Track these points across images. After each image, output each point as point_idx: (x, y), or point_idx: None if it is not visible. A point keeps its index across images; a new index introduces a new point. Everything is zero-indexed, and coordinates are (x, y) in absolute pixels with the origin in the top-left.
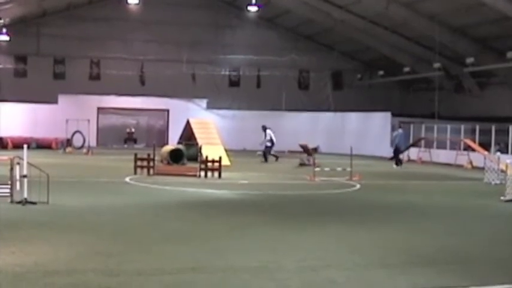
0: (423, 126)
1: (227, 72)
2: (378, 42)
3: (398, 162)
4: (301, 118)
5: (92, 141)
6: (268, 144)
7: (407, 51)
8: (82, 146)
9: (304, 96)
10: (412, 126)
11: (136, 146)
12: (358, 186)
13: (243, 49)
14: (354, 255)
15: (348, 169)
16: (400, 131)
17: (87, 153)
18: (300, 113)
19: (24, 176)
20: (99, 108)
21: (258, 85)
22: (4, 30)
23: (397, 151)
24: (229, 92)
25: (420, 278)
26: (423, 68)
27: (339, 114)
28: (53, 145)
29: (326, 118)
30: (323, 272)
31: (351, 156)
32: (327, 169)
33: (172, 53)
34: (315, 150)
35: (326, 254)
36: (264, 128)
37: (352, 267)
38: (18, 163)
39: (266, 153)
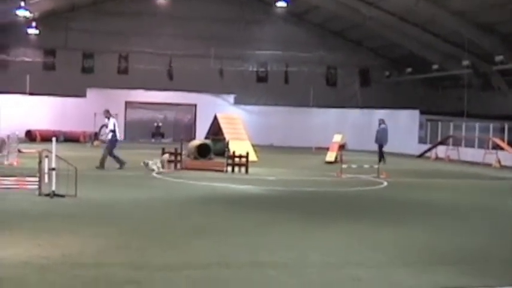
0: (451, 124)
1: (255, 68)
2: (406, 39)
3: (382, 158)
4: (328, 114)
5: (120, 135)
6: None
7: (435, 49)
8: None
9: (331, 92)
10: (440, 124)
11: (163, 140)
12: (385, 183)
13: (271, 45)
14: (378, 253)
15: (375, 166)
16: (383, 126)
17: None
18: (327, 110)
19: (53, 169)
20: (127, 102)
21: (286, 81)
22: (34, 24)
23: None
24: (256, 88)
25: (443, 277)
26: (452, 66)
27: (366, 111)
28: (81, 138)
29: (353, 115)
30: (347, 270)
31: (380, 153)
32: (354, 166)
33: (200, 48)
34: (342, 146)
35: (350, 251)
36: None
37: (376, 265)
38: (47, 156)
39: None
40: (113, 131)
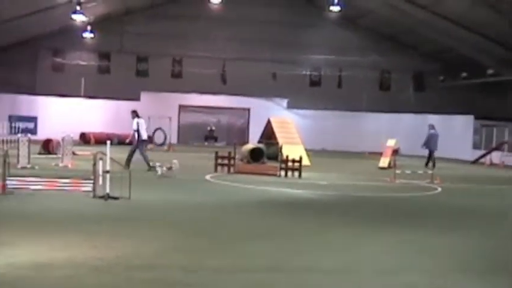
0: (506, 130)
1: (308, 72)
2: (461, 43)
3: (430, 163)
4: (381, 119)
5: (173, 138)
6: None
7: (490, 53)
8: (163, 143)
9: (385, 97)
10: (494, 129)
11: (216, 144)
12: (439, 189)
13: (324, 49)
14: (433, 259)
15: (429, 172)
16: (433, 131)
17: (168, 150)
18: (380, 114)
19: (107, 172)
20: (180, 106)
21: (339, 85)
22: (89, 27)
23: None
24: (310, 92)
25: (501, 285)
26: (507, 70)
27: (419, 116)
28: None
29: (407, 120)
30: (402, 276)
31: (434, 158)
32: (408, 172)
33: (254, 51)
34: (396, 152)
35: (405, 257)
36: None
37: (432, 271)
38: (101, 158)
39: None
40: (137, 131)
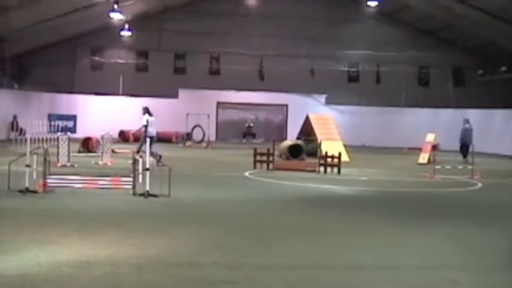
0: None
1: (346, 68)
2: (500, 36)
3: (469, 157)
4: (420, 115)
5: (212, 135)
6: None
7: None
8: (202, 140)
9: (423, 92)
10: None
11: (255, 140)
12: (479, 185)
13: (362, 44)
14: (473, 256)
15: (469, 167)
16: (467, 126)
17: (206, 147)
18: (419, 110)
19: (147, 169)
20: (218, 103)
21: (378, 81)
22: (127, 26)
23: (465, 146)
24: (348, 88)
25: None
26: None
27: (459, 111)
28: (173, 139)
29: (446, 115)
30: (443, 272)
31: (472, 154)
32: (447, 167)
33: (291, 47)
34: (435, 147)
35: (445, 254)
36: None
37: (473, 268)
38: (141, 156)
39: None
40: (145, 126)
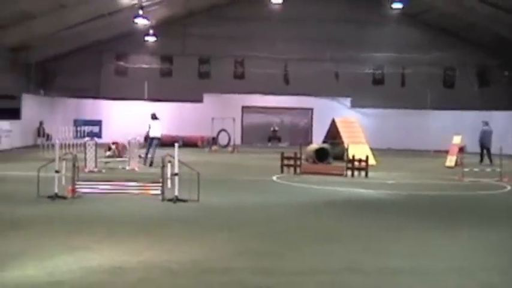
0: None
1: (371, 70)
2: None
3: (486, 159)
4: (446, 117)
5: (237, 139)
6: None
7: None
8: (227, 145)
9: (449, 94)
10: None
11: (280, 144)
12: (508, 188)
13: (387, 47)
14: (507, 259)
15: (498, 170)
16: (486, 127)
17: (232, 152)
18: (444, 112)
19: (175, 174)
20: (243, 107)
21: (403, 83)
22: (151, 31)
23: (485, 149)
24: (373, 91)
25: None
26: None
27: (485, 113)
28: (199, 143)
29: (472, 117)
30: (478, 275)
31: (501, 156)
32: (476, 169)
33: (316, 51)
34: (462, 149)
35: (478, 257)
36: None
37: (508, 271)
38: (170, 161)
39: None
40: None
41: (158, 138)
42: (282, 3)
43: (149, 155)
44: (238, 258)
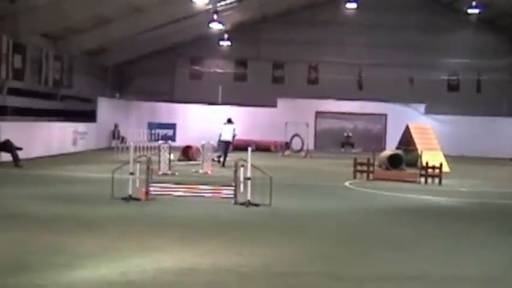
0: None
1: (446, 77)
2: None
3: None
4: None
5: (310, 144)
6: None
7: None
8: (300, 149)
9: None
10: None
11: (353, 150)
12: None
13: (462, 52)
14: None
15: None
16: None
17: (305, 157)
18: None
19: (248, 179)
20: (317, 112)
21: (478, 89)
22: (225, 35)
23: None
24: (448, 97)
25: None
26: None
27: None
28: (272, 148)
29: None
30: None
31: None
32: None
33: (390, 56)
34: None
35: None
36: None
37: None
38: (243, 165)
39: None
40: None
41: (229, 142)
42: (357, 9)
43: (221, 158)
44: (308, 263)
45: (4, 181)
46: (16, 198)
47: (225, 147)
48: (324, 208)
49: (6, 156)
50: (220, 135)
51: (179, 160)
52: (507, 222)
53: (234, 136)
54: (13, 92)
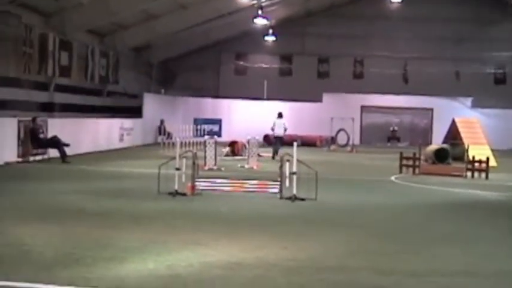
0: None
1: (492, 70)
2: None
3: None
4: None
5: (356, 139)
6: None
7: None
8: (346, 144)
9: None
10: None
11: (399, 144)
12: None
13: (508, 45)
14: None
15: None
16: None
17: (351, 151)
18: None
19: (294, 173)
20: (362, 107)
21: None
22: (270, 30)
23: None
24: (494, 90)
25: None
26: None
27: None
28: (317, 143)
29: None
30: None
31: None
32: None
33: (436, 50)
34: None
35: None
36: None
37: None
38: (288, 160)
39: None
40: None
41: (281, 137)
42: (402, 3)
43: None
44: (354, 258)
45: (52, 177)
46: (64, 193)
47: (279, 142)
48: (370, 202)
49: (54, 152)
50: (272, 129)
51: (226, 155)
52: None
53: (285, 130)
54: (60, 88)
